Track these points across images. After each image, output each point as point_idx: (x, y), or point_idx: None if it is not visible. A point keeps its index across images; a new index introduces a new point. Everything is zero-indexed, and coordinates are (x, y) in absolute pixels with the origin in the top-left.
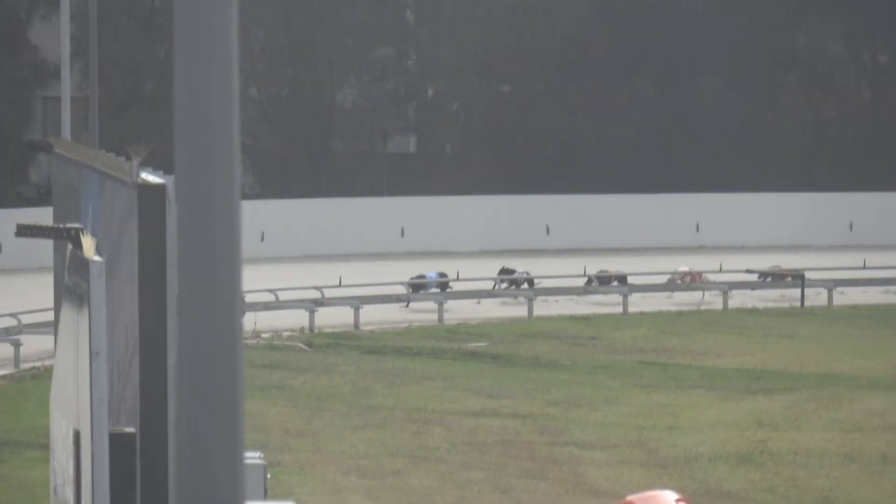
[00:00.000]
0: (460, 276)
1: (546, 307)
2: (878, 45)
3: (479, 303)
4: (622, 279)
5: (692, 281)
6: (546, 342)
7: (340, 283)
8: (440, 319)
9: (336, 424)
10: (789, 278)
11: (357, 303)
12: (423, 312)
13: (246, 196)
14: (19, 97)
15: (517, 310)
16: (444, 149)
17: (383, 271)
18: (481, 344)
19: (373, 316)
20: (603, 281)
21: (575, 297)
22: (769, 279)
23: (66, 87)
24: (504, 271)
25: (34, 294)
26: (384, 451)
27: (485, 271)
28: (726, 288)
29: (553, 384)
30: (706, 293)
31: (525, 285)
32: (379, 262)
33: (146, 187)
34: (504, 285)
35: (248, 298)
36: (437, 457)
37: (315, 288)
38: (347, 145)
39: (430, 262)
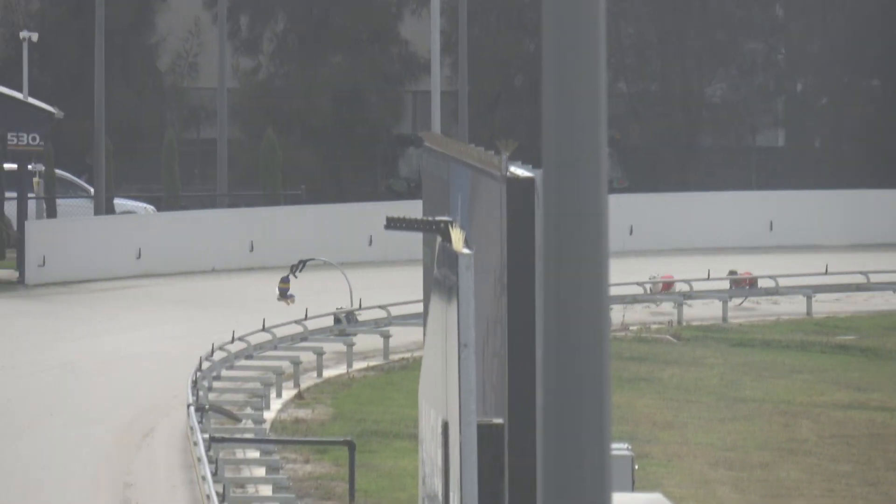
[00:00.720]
0: (828, 270)
1: None
2: None
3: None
4: None
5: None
6: None
7: (709, 276)
8: (808, 312)
9: (704, 416)
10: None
11: (725, 296)
12: (791, 304)
13: (614, 190)
14: (390, 92)
15: (887, 303)
16: (812, 143)
17: (752, 264)
18: (850, 337)
19: (738, 310)
20: None
21: None
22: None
23: (436, 82)
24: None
25: (403, 286)
26: (752, 444)
27: (853, 265)
28: None
29: None
30: None
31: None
32: (747, 255)
33: (515, 181)
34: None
35: (616, 291)
36: (805, 449)
37: (683, 281)
38: (716, 139)
39: (798, 257)
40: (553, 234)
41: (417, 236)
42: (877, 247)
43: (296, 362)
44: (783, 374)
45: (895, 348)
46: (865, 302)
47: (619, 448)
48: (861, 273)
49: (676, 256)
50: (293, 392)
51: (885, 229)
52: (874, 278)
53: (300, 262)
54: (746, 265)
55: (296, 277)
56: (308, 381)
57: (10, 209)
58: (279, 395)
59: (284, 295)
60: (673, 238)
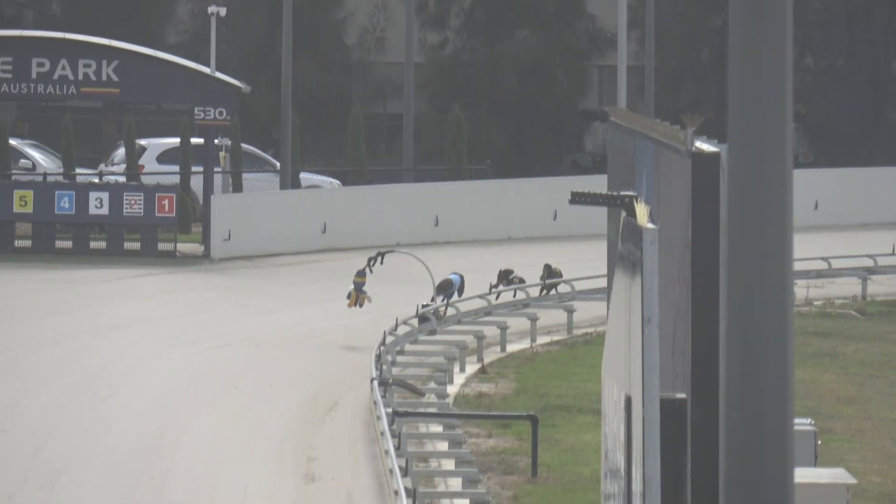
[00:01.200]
0: None
1: None
2: None
3: None
4: None
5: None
6: None
7: (894, 251)
8: None
9: (888, 392)
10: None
11: None
12: None
13: (799, 165)
14: (576, 67)
15: None
16: None
17: None
18: None
19: None
20: None
21: None
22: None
23: (622, 57)
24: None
25: (588, 261)
26: None
27: None
28: None
29: None
30: None
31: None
32: None
33: (700, 156)
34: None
35: (800, 266)
36: None
37: (868, 256)
38: None
39: None
40: (737, 208)
41: (602, 211)
42: None
43: (479, 337)
44: None
45: None
46: None
47: (802, 423)
48: None
49: (861, 232)
50: (476, 366)
51: None
52: None
53: (378, 254)
54: None
55: (371, 272)
56: (491, 355)
57: (197, 183)
58: (462, 369)
59: (359, 290)
60: (858, 213)
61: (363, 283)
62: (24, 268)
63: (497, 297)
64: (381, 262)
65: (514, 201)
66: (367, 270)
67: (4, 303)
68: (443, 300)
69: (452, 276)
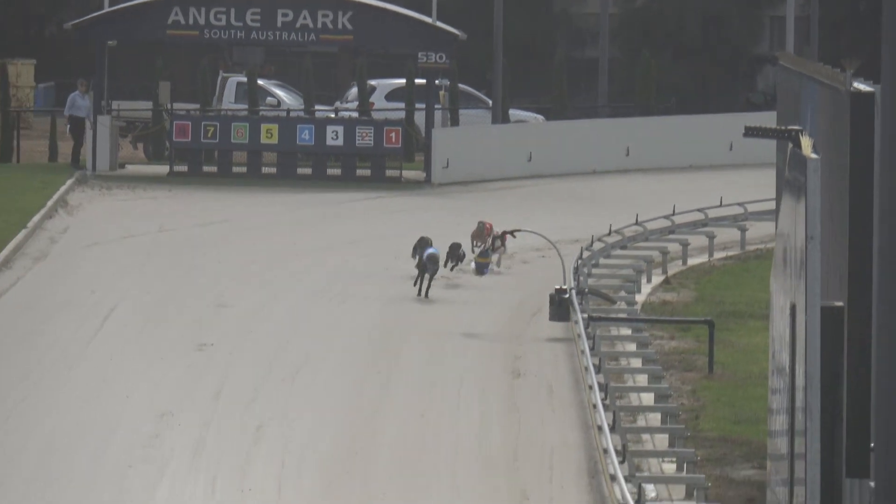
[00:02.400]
0: None
1: None
2: None
3: None
4: None
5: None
6: None
7: None
8: None
9: None
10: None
11: None
12: None
13: None
14: (751, 16)
15: None
16: None
17: None
18: None
19: None
20: None
21: None
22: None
23: (790, 7)
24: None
25: (759, 187)
26: None
27: None
28: None
29: None
30: None
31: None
32: None
33: (858, 95)
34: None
35: None
36: None
37: None
38: None
39: None
40: (889, 142)
41: (772, 143)
42: None
43: (664, 252)
44: None
45: None
46: None
47: None
48: None
49: None
50: (661, 278)
51: None
52: None
53: (503, 233)
54: None
55: (492, 250)
56: (674, 268)
57: (420, 119)
58: (649, 280)
59: (481, 271)
60: None
61: (487, 265)
62: (269, 191)
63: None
64: (514, 235)
65: (695, 135)
66: (489, 250)
67: (253, 221)
68: (452, 265)
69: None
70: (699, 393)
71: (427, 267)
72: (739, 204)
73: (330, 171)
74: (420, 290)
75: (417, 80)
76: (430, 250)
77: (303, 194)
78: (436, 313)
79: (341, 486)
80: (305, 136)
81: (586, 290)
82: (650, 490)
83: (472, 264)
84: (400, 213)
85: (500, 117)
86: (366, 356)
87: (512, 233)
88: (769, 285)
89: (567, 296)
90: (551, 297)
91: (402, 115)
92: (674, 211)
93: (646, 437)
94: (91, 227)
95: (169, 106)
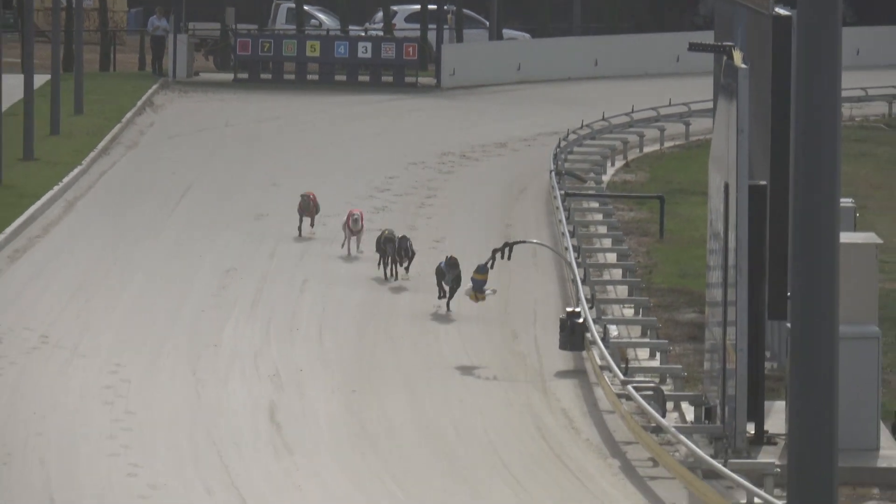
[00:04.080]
0: None
1: None
2: None
3: None
4: None
5: None
6: None
7: None
8: None
9: None
10: None
11: None
12: None
13: (846, 23)
14: None
15: None
16: None
17: None
18: None
19: None
20: None
21: None
22: None
23: None
24: None
25: (700, 91)
26: None
27: None
28: None
29: None
30: None
31: None
32: None
33: (778, 18)
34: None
35: (847, 94)
36: None
37: (892, 86)
38: None
39: None
40: (802, 56)
41: (710, 56)
42: None
43: (624, 142)
44: None
45: None
46: None
47: (846, 202)
48: None
49: (887, 71)
50: (622, 162)
51: None
52: None
53: (506, 245)
54: None
55: (490, 268)
56: (633, 155)
57: (432, 37)
58: (613, 164)
59: (479, 289)
60: (890, 57)
61: (484, 282)
62: (312, 94)
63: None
64: (509, 258)
65: (649, 49)
66: (489, 266)
67: (300, 118)
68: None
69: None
70: (652, 253)
71: (447, 276)
72: (684, 104)
73: (360, 78)
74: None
75: (430, 6)
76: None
77: (339, 97)
78: (450, 183)
79: (369, 328)
80: (341, 50)
81: (563, 171)
82: (613, 329)
83: (468, 285)
84: (416, 112)
85: (496, 35)
86: (394, 217)
87: (503, 252)
88: (708, 168)
89: (581, 320)
90: (562, 322)
91: (417, 34)
92: (632, 109)
93: (609, 288)
94: (172, 122)
95: (233, 26)
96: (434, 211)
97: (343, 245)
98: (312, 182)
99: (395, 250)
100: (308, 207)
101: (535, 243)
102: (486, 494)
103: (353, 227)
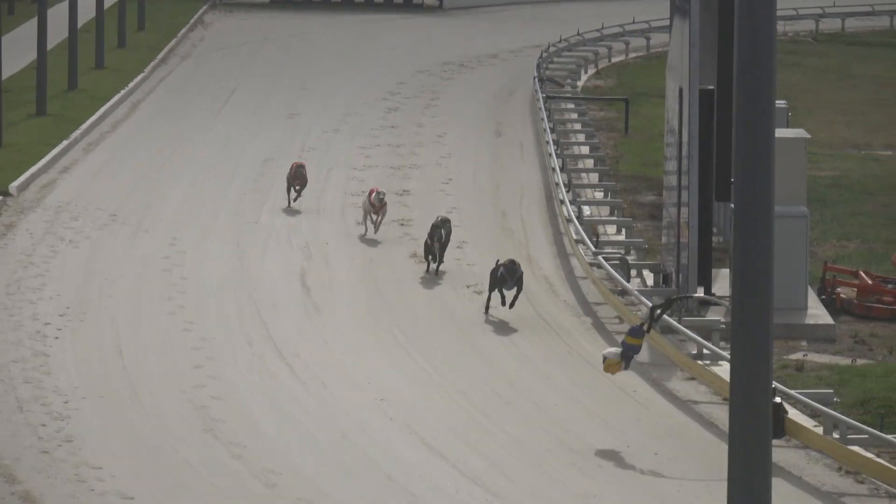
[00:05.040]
0: None
1: None
2: None
3: None
4: None
5: None
6: None
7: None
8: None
9: (833, 86)
10: None
11: (842, 17)
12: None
13: None
14: None
15: None
16: None
17: None
18: None
19: (859, 20)
20: None
21: None
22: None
23: None
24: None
25: (659, 10)
26: (858, 101)
27: None
28: None
29: None
30: None
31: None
32: None
33: None
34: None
35: (782, 13)
36: (886, 100)
37: (818, 7)
38: None
39: None
40: None
41: None
42: None
43: (595, 53)
44: (880, 60)
45: None
46: None
47: (780, 103)
48: None
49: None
50: (594, 70)
51: None
52: None
53: (668, 300)
54: None
55: (647, 332)
56: (602, 64)
57: None
58: (586, 72)
59: (627, 357)
60: None
61: (637, 348)
62: (335, 14)
63: None
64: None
65: None
66: (645, 329)
67: (326, 33)
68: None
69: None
70: (619, 146)
71: (507, 282)
72: (646, 22)
73: (376, 0)
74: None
75: None
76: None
77: (358, 16)
78: (448, 88)
79: (388, 205)
80: None
81: (545, 78)
82: (586, 209)
83: (611, 352)
84: (422, 29)
85: None
86: (404, 116)
87: (663, 309)
88: (665, 76)
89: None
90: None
91: None
92: (602, 27)
93: (583, 175)
94: (219, 37)
95: None
96: (437, 111)
97: (361, 223)
98: (336, 84)
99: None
100: (299, 177)
101: (696, 297)
102: (480, 346)
103: (376, 204)
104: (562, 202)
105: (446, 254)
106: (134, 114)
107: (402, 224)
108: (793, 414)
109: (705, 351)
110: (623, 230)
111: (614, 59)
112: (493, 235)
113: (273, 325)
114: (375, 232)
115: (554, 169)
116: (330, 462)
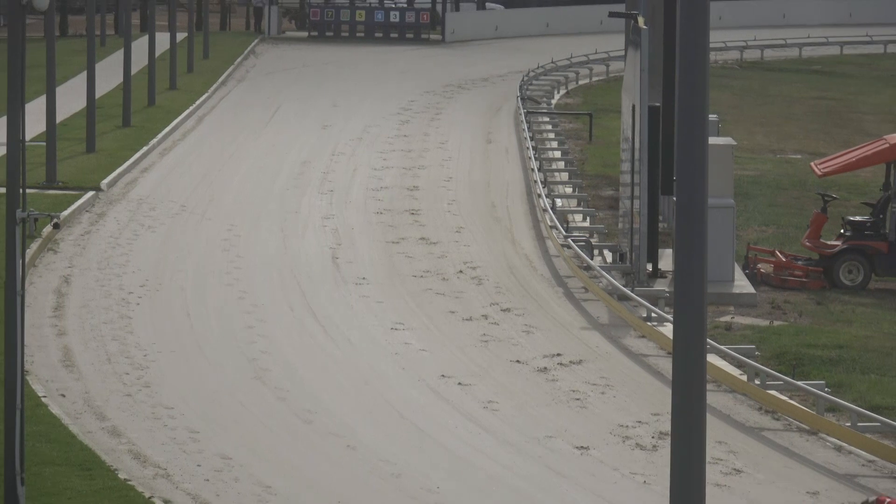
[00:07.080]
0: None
1: None
2: None
3: None
4: None
5: None
6: None
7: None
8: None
9: (759, 103)
10: None
11: (762, 49)
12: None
13: None
14: None
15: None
16: None
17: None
18: (817, 67)
19: (777, 50)
20: None
21: None
22: None
23: None
24: None
25: (617, 44)
26: (777, 114)
27: None
28: None
29: None
30: None
31: None
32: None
33: None
34: None
35: (714, 46)
36: (793, 112)
37: (742, 40)
38: None
39: None
40: (684, 19)
41: (623, 20)
42: None
43: (566, 77)
44: (791, 83)
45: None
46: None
47: (712, 117)
48: None
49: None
50: (565, 91)
51: None
52: None
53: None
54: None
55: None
56: (571, 86)
57: (439, 7)
58: (559, 92)
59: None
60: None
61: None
62: (360, 46)
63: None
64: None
65: (584, 16)
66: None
67: (352, 61)
68: None
69: None
70: (585, 151)
71: None
72: (606, 52)
73: (391, 35)
74: None
75: None
76: None
77: (378, 47)
78: (449, 104)
79: (401, 202)
80: (379, 16)
81: (526, 97)
82: (559, 201)
83: None
84: (428, 58)
85: (481, 7)
86: (415, 127)
87: None
88: (621, 95)
89: None
90: None
91: (430, 4)
92: (571, 56)
93: (556, 174)
94: (267, 64)
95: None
96: (441, 123)
97: None
98: (359, 102)
99: None
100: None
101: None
102: (472, 308)
103: None
104: (539, 196)
105: (445, 236)
106: (200, 125)
107: (413, 213)
108: (722, 365)
109: (653, 314)
110: (588, 218)
111: (581, 82)
112: (484, 222)
113: (310, 293)
114: None
115: (533, 169)
116: (354, 403)
